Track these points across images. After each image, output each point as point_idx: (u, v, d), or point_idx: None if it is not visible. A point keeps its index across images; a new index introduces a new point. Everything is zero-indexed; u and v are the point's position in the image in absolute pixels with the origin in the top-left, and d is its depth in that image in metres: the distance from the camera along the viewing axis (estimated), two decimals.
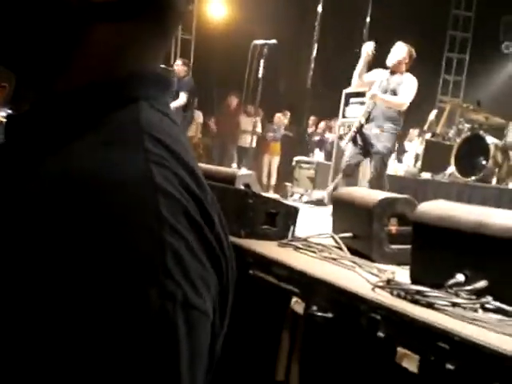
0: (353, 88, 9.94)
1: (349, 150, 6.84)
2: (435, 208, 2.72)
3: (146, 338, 0.49)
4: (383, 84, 6.65)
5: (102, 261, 0.49)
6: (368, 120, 6.63)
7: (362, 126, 6.64)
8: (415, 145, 11.67)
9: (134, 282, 0.49)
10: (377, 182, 6.43)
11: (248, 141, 13.09)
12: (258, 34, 9.58)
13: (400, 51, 6.64)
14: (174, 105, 9.12)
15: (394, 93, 6.54)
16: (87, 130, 0.57)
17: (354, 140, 6.75)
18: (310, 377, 2.60)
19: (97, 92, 0.59)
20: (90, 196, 0.51)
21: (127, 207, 0.51)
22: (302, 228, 3.88)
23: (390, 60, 6.63)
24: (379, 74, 6.85)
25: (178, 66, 9.91)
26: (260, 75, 7.91)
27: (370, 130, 6.58)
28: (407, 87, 6.52)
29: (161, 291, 0.50)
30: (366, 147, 6.66)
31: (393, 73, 6.65)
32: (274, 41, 8.11)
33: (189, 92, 9.52)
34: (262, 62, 7.90)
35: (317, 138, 13.44)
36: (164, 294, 0.50)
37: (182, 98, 9.33)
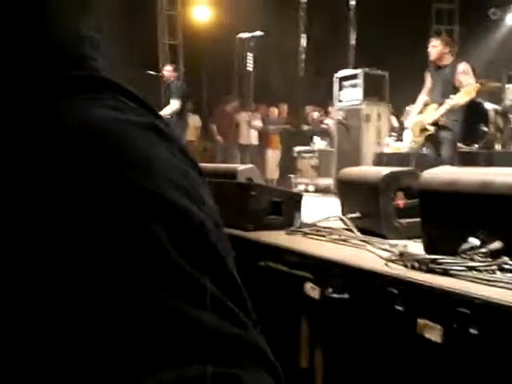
0: (344, 72, 9.92)
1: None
2: (439, 174, 2.67)
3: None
4: (437, 80, 6.94)
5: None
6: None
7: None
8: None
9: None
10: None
11: (249, 137, 13.01)
12: (243, 29, 9.52)
13: (435, 46, 7.01)
14: (167, 111, 9.03)
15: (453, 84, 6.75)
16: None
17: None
18: (334, 360, 2.56)
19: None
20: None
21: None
22: (310, 216, 3.84)
23: (432, 57, 7.06)
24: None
25: (168, 72, 9.79)
26: (250, 68, 7.84)
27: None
28: (466, 75, 6.74)
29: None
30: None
31: (439, 67, 6.98)
32: (260, 32, 8.03)
33: (181, 97, 9.41)
34: (249, 54, 7.82)
35: (316, 126, 13.33)
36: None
37: (175, 103, 9.21)
